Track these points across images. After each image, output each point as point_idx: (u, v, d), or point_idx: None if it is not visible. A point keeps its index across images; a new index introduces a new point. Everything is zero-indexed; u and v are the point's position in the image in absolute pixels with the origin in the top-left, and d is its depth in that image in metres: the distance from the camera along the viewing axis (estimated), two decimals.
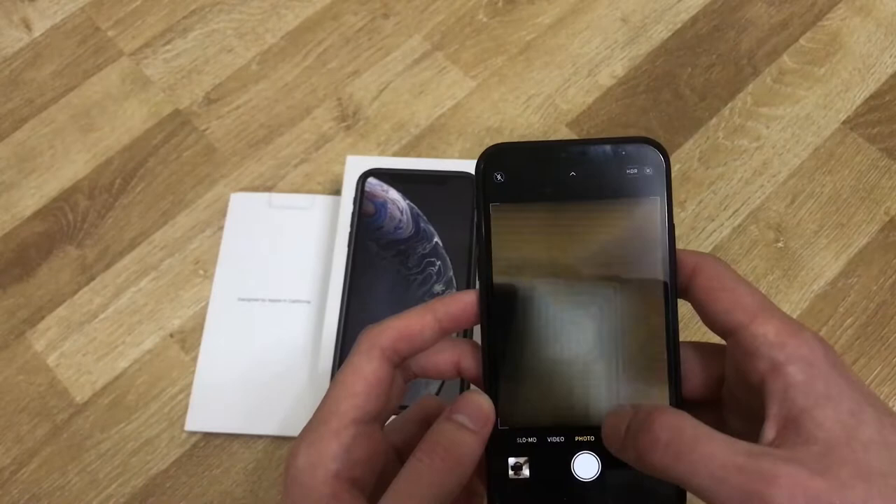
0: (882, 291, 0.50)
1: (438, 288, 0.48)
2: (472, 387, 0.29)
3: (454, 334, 0.45)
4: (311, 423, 0.27)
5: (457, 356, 0.29)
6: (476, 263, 0.28)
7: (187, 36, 0.60)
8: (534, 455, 0.28)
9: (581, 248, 0.28)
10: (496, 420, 0.27)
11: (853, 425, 0.23)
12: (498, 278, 0.28)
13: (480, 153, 0.29)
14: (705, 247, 0.52)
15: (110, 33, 0.60)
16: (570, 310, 0.28)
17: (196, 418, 0.47)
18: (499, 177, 0.29)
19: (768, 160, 0.54)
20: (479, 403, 0.27)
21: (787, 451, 0.22)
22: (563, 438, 0.28)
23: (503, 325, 0.28)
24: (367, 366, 0.27)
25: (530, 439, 0.28)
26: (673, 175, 0.53)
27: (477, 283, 0.29)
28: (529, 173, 0.29)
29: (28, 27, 0.61)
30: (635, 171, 0.28)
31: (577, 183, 0.28)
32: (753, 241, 0.52)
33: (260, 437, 0.47)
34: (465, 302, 0.28)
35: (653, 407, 0.25)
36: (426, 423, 0.28)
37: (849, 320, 0.49)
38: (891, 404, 0.47)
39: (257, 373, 0.48)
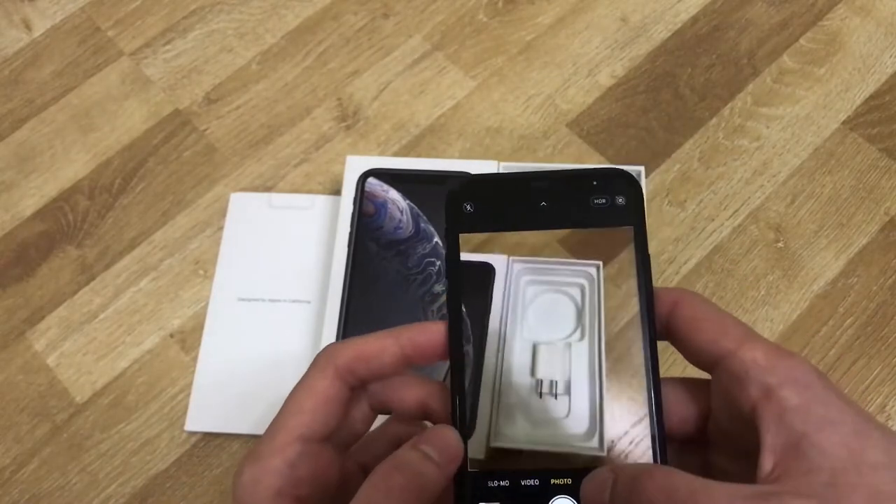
0: (882, 291, 0.50)
1: (438, 288, 0.48)
2: None
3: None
4: (259, 439, 0.26)
5: (423, 395, 0.27)
6: (446, 298, 0.28)
7: (187, 36, 0.60)
8: (507, 500, 0.26)
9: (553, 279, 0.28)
10: (465, 461, 0.26)
11: (859, 448, 0.21)
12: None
13: (449, 189, 0.28)
14: (705, 247, 0.52)
15: (110, 33, 0.60)
16: (544, 347, 0.27)
17: (196, 418, 0.47)
18: (468, 207, 0.28)
19: (768, 160, 0.54)
20: (448, 438, 0.26)
21: (790, 484, 0.21)
22: (537, 482, 0.26)
23: (473, 362, 0.27)
24: (319, 383, 0.26)
25: (503, 483, 0.26)
26: (673, 175, 0.54)
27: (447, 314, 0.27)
28: (499, 204, 0.28)
29: (28, 27, 0.61)
30: (607, 201, 0.28)
31: (548, 214, 0.28)
32: (753, 241, 0.52)
33: (260, 437, 0.47)
34: (432, 332, 0.27)
35: (637, 468, 0.23)
36: (395, 444, 0.27)
37: (849, 320, 0.49)
38: (891, 404, 0.47)
39: (257, 373, 0.48)
